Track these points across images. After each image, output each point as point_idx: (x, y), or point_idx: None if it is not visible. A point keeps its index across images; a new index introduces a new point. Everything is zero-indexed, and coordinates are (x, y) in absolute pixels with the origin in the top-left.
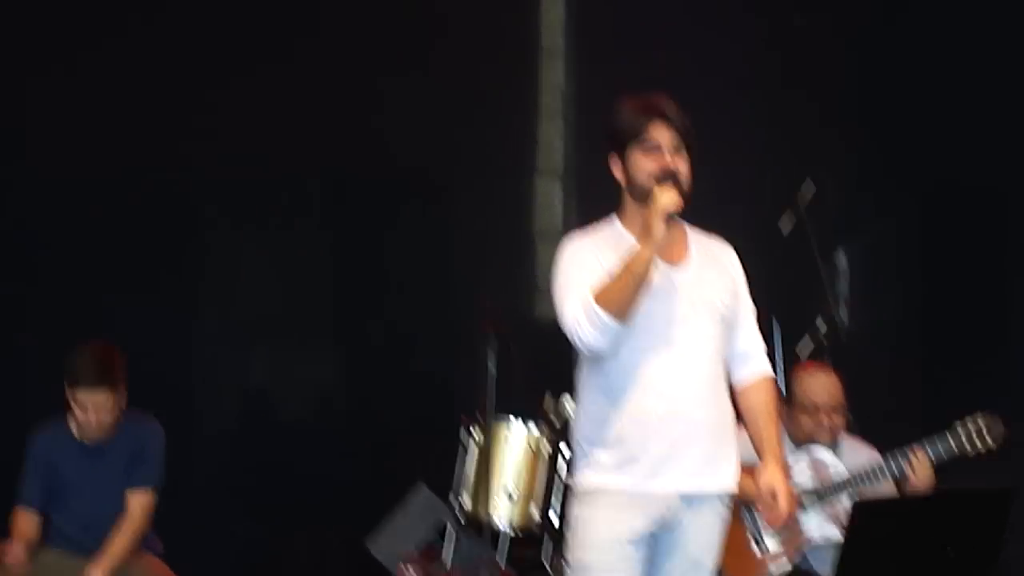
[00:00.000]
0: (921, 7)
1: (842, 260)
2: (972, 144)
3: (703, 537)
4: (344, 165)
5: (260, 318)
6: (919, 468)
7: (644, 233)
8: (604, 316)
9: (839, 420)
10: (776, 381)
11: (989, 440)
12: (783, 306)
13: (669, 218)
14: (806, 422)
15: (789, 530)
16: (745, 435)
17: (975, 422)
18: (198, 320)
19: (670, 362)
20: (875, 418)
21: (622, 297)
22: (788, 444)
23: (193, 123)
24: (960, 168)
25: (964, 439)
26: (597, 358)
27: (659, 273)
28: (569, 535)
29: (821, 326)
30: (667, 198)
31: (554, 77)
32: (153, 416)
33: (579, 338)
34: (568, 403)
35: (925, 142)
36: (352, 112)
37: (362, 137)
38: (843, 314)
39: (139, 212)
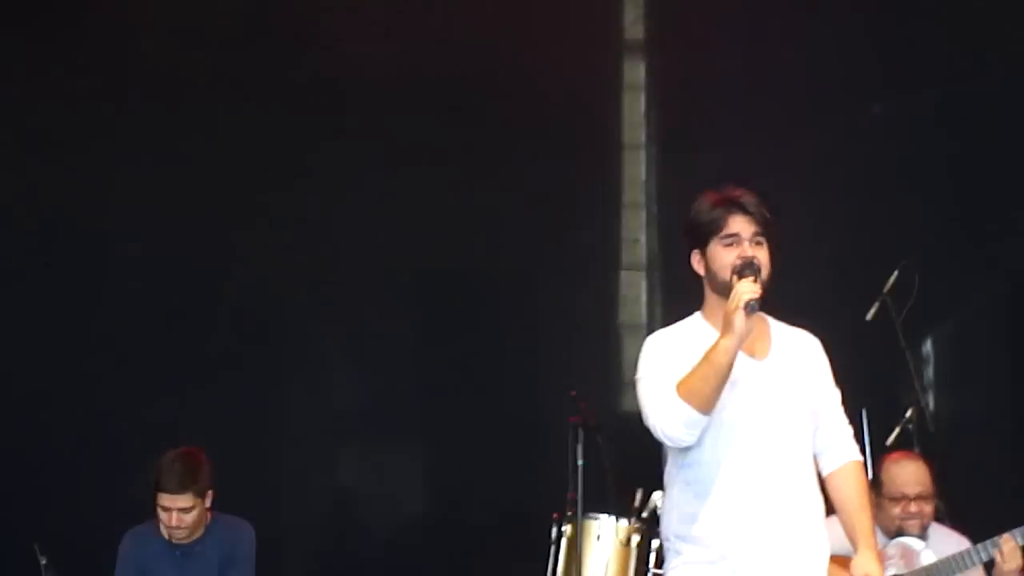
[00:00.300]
0: (1001, 85)
1: (928, 347)
2: None
3: None
4: (433, 261)
5: (347, 417)
6: (1009, 554)
7: (724, 324)
8: (686, 408)
9: (928, 508)
10: (865, 468)
11: None
12: (871, 396)
13: (749, 309)
14: (895, 511)
15: None
16: (836, 525)
17: None
18: (285, 419)
19: (757, 457)
20: (964, 506)
21: (703, 388)
22: (878, 534)
23: (282, 215)
24: None
25: None
26: (684, 454)
27: (743, 367)
28: None
29: (909, 415)
30: (746, 287)
31: (635, 171)
32: (244, 520)
33: (662, 431)
34: (657, 498)
35: (1010, 225)
36: (442, 208)
37: (451, 233)
38: (930, 401)
39: (229, 309)
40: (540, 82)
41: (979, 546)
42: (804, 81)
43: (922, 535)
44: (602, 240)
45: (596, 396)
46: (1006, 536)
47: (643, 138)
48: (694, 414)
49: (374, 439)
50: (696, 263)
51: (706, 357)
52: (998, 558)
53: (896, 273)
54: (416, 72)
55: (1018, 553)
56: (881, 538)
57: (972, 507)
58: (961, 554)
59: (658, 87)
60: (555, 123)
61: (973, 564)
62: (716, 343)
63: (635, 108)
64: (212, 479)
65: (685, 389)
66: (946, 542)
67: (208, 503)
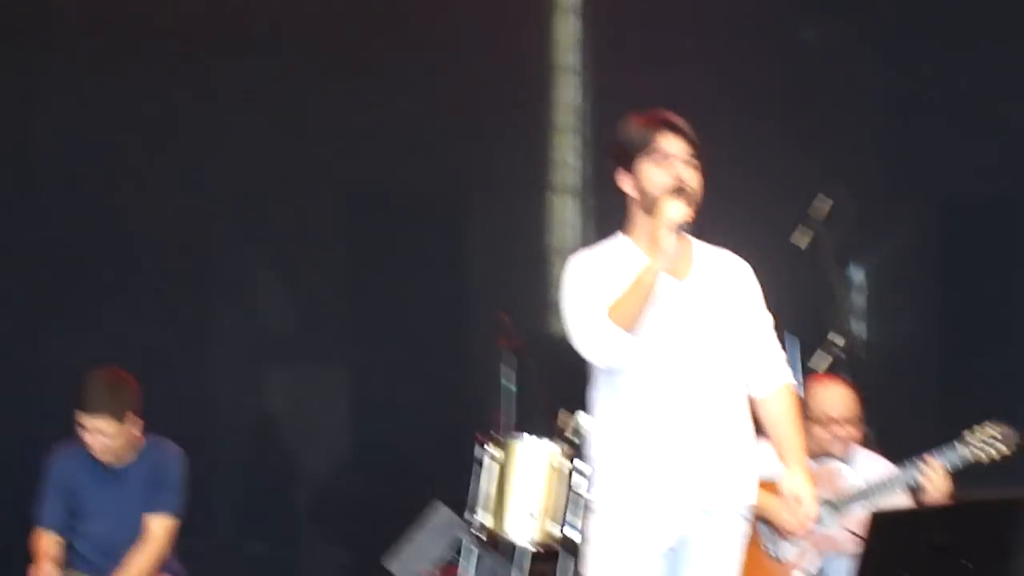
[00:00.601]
0: (932, 18)
1: (858, 274)
2: (988, 155)
3: (722, 550)
4: (359, 185)
5: (276, 339)
6: (935, 477)
7: (653, 246)
8: (614, 328)
9: (854, 432)
10: (796, 390)
11: (1003, 447)
12: (800, 321)
13: (678, 230)
14: (820, 434)
15: (806, 541)
16: (764, 448)
17: (986, 430)
18: (213, 343)
19: (681, 377)
20: (892, 431)
21: (632, 310)
22: None
23: (208, 143)
24: (976, 179)
25: (976, 447)
26: (609, 375)
27: (663, 286)
28: (587, 551)
29: (837, 340)
30: (675, 209)
31: (567, 95)
32: (172, 441)
33: (592, 353)
34: (584, 419)
35: (940, 154)
36: (368, 133)
37: (377, 157)
38: (859, 328)
39: (153, 233)
40: (472, 4)
41: (904, 470)
42: (736, 5)
43: (845, 458)
44: (532, 163)
45: (525, 319)
46: (929, 458)
47: (575, 61)
48: (624, 335)
49: (302, 361)
50: (624, 184)
51: (636, 279)
52: (924, 481)
53: (827, 200)
54: None
55: (943, 475)
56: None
57: (899, 433)
58: (887, 479)
59: (590, 9)
60: (486, 45)
61: (899, 489)
62: (647, 266)
63: (567, 31)
64: (138, 405)
65: (615, 311)
66: (871, 466)
67: (133, 429)
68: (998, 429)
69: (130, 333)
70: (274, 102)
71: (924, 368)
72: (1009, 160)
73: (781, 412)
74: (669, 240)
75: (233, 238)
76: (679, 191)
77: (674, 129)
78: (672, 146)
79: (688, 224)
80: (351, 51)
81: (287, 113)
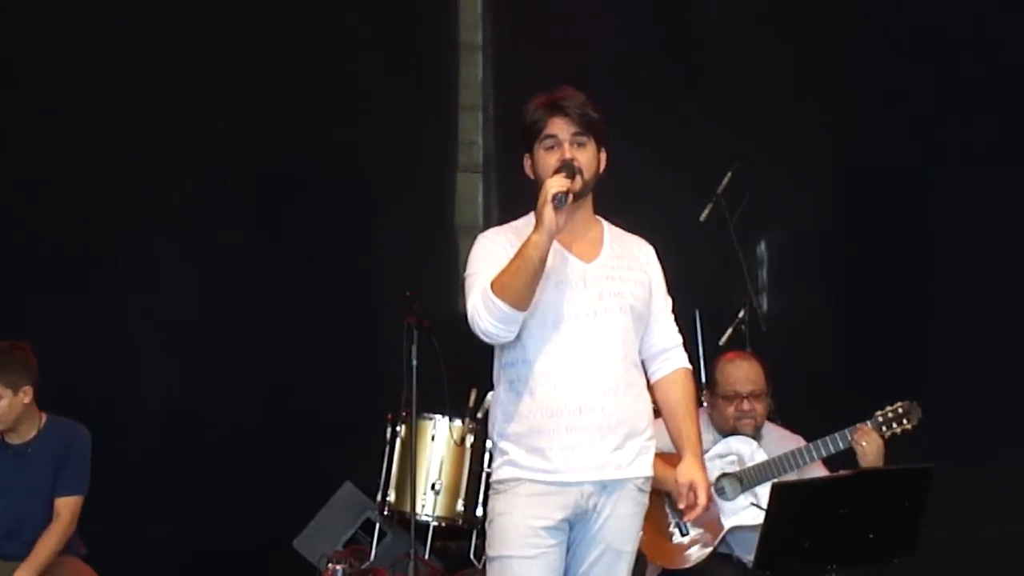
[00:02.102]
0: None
1: (761, 248)
2: (889, 131)
3: (620, 524)
4: (266, 164)
5: (183, 319)
6: (871, 440)
7: (536, 219)
8: (499, 303)
9: (762, 407)
10: (693, 374)
11: (907, 424)
12: (705, 296)
13: (557, 202)
14: (729, 410)
15: (710, 516)
16: (663, 426)
17: (896, 409)
18: (121, 324)
19: (579, 355)
20: (794, 403)
21: (514, 282)
22: (712, 433)
23: (115, 123)
24: (877, 155)
25: (883, 423)
26: (507, 352)
27: (569, 268)
28: (488, 528)
29: (741, 315)
30: (554, 182)
31: (472, 72)
32: (78, 422)
33: (478, 327)
34: (491, 398)
35: (843, 130)
36: (273, 113)
37: (282, 136)
38: (763, 302)
39: (58, 213)
40: None
41: (815, 443)
42: None
43: (755, 434)
44: (438, 141)
45: (432, 297)
46: (860, 426)
47: (480, 39)
48: (507, 309)
49: (209, 342)
50: (527, 167)
51: (518, 253)
52: (857, 447)
53: (729, 174)
54: None
55: (874, 434)
56: (715, 437)
57: (802, 406)
58: (795, 452)
59: None
60: (392, 23)
61: (808, 461)
62: (527, 239)
63: (472, 8)
64: (32, 375)
65: (498, 285)
66: (779, 441)
67: (26, 399)
68: (905, 407)
69: (33, 315)
70: (177, 81)
71: (825, 341)
72: (909, 135)
73: (677, 397)
74: (548, 213)
75: (138, 220)
76: (566, 167)
77: (561, 111)
78: (559, 128)
79: (566, 196)
80: (256, 29)
81: (191, 92)
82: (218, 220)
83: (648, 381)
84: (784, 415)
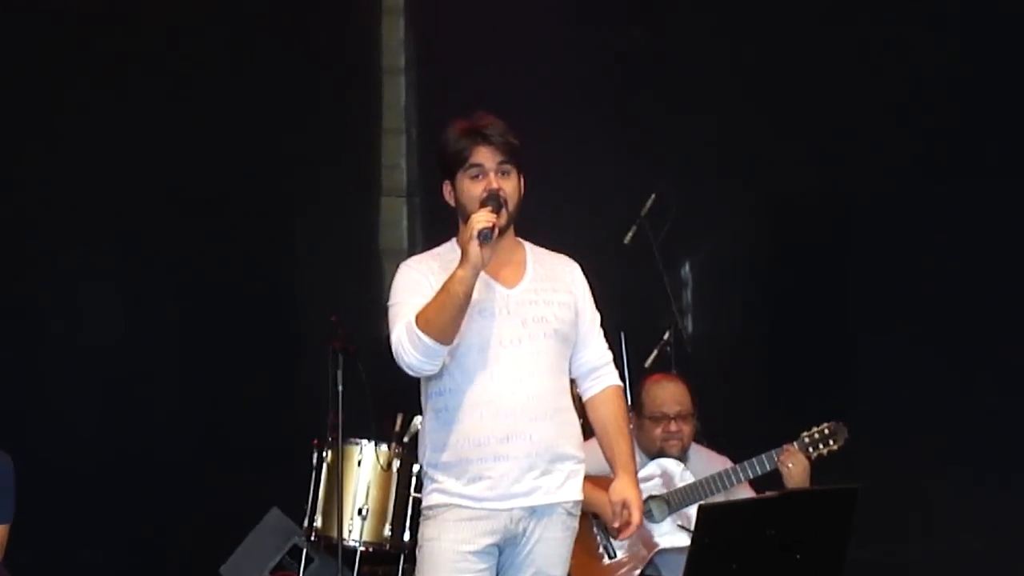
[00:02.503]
0: (756, 14)
1: (686, 270)
2: (812, 150)
3: (550, 548)
4: (188, 187)
5: (102, 344)
6: (797, 460)
7: (462, 254)
8: (424, 338)
9: (688, 429)
10: (624, 392)
11: (834, 444)
12: (629, 319)
13: (482, 238)
14: (656, 432)
15: (638, 537)
16: (596, 448)
17: (823, 430)
18: (39, 349)
19: (504, 384)
20: (720, 425)
21: (440, 318)
22: (639, 455)
23: (33, 145)
24: (801, 174)
25: (810, 444)
26: (433, 382)
27: (492, 295)
28: (418, 554)
29: (666, 336)
30: (480, 217)
31: (395, 97)
32: (2, 451)
33: (401, 359)
34: (418, 422)
35: (765, 150)
36: (196, 133)
37: (206, 158)
38: (688, 323)
39: None
40: (302, 6)
41: (743, 464)
42: (565, 4)
43: (682, 456)
44: (362, 165)
45: (356, 321)
46: (787, 447)
47: (402, 62)
48: (432, 344)
49: (130, 365)
50: (447, 194)
51: (443, 287)
52: (785, 468)
53: (653, 197)
54: None
55: (799, 455)
56: (642, 459)
57: (728, 427)
58: (722, 473)
59: (417, 10)
60: (315, 47)
61: (735, 482)
62: (452, 274)
63: (395, 32)
64: None
65: (423, 319)
66: (706, 463)
67: None
68: (832, 428)
69: None
70: (100, 100)
71: (750, 362)
72: (833, 154)
73: (609, 415)
74: (474, 249)
75: (58, 241)
76: (492, 200)
77: (486, 140)
78: (484, 158)
79: (493, 232)
80: (180, 51)
81: (115, 114)
82: (140, 244)
83: (580, 399)
84: (710, 437)
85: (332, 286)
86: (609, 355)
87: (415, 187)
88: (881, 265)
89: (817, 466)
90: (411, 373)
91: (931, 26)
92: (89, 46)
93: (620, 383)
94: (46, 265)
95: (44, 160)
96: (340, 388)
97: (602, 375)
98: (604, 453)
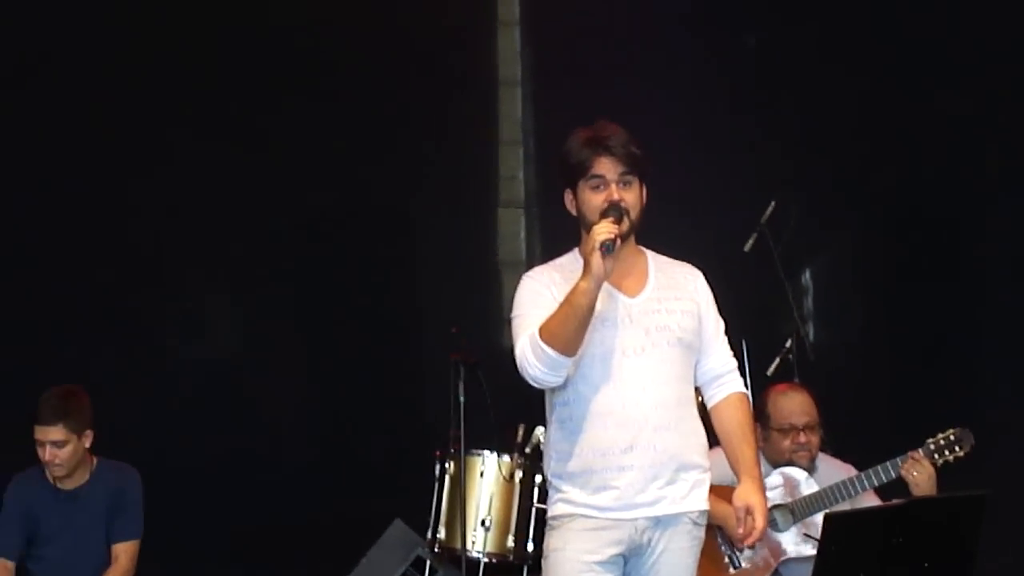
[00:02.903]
0: (871, 29)
1: (807, 278)
2: (934, 159)
3: (675, 559)
4: (312, 200)
5: (229, 358)
6: (923, 468)
7: (584, 266)
8: (548, 350)
9: (815, 439)
10: (749, 399)
11: (960, 451)
12: (751, 327)
13: (605, 250)
14: (784, 443)
15: (763, 547)
16: (720, 457)
17: (948, 436)
18: (166, 365)
19: (628, 393)
20: (844, 433)
21: (563, 330)
22: (765, 467)
23: (156, 165)
24: (923, 180)
25: (935, 451)
26: (557, 392)
27: (615, 304)
28: (543, 564)
29: (788, 345)
30: (601, 228)
31: (512, 109)
32: (130, 465)
33: (526, 372)
34: (539, 433)
35: (883, 155)
36: (317, 150)
37: (326, 174)
38: (809, 331)
39: (102, 254)
40: (416, 20)
41: (867, 472)
42: (679, 12)
43: (810, 466)
44: (480, 177)
45: (477, 333)
46: (913, 454)
47: (519, 74)
48: (556, 356)
49: (256, 381)
50: (569, 203)
51: (566, 299)
52: (911, 476)
53: (773, 204)
54: (290, 11)
55: (925, 462)
56: (767, 469)
57: (851, 435)
58: (846, 482)
59: (533, 23)
60: (431, 60)
61: (860, 491)
62: (575, 286)
63: (511, 44)
64: (91, 419)
65: (547, 331)
66: (833, 472)
67: (87, 443)
68: (957, 434)
69: (82, 356)
70: (222, 120)
71: (873, 369)
72: (954, 164)
73: (734, 422)
74: (596, 261)
75: (184, 260)
76: (613, 210)
77: (608, 150)
78: (606, 168)
79: (614, 243)
80: (300, 69)
81: (236, 130)
82: (263, 261)
83: (705, 407)
84: (834, 445)
85: (452, 298)
86: (734, 362)
87: (533, 199)
88: (1006, 272)
89: (944, 474)
90: (536, 385)
91: None
92: (211, 65)
93: (745, 390)
94: (175, 283)
95: (167, 179)
96: (462, 399)
97: (726, 382)
98: (728, 459)
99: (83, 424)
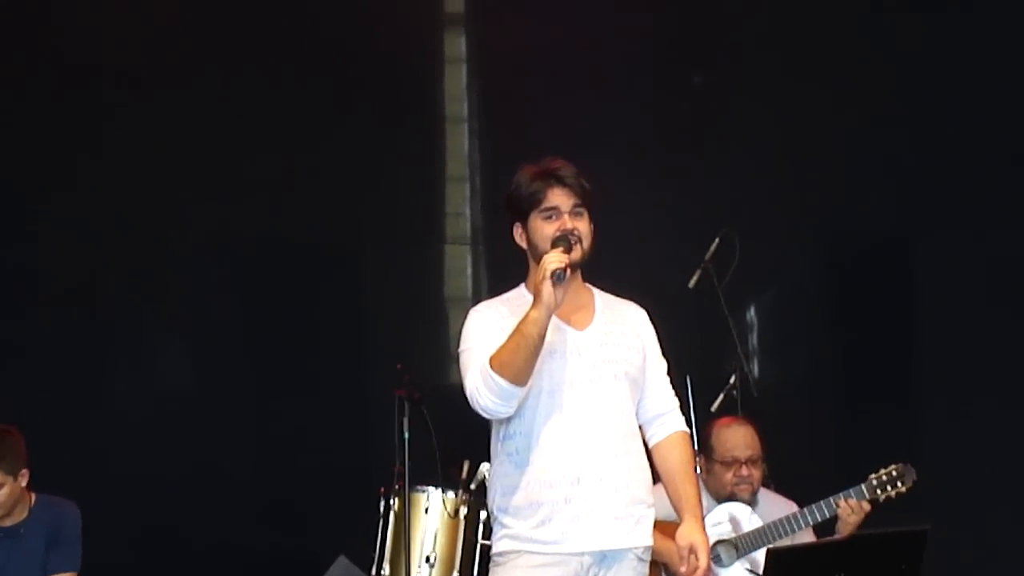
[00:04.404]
0: (818, 60)
1: (751, 314)
2: (876, 193)
3: None
4: (257, 235)
5: (170, 393)
6: (860, 510)
7: (535, 295)
8: (499, 380)
9: (758, 473)
10: (691, 438)
11: (902, 487)
12: (695, 362)
13: (556, 278)
14: (727, 476)
15: None
16: (662, 493)
17: (890, 472)
18: (106, 399)
19: (575, 425)
20: (788, 469)
21: (514, 359)
22: (708, 500)
23: (102, 198)
24: (864, 217)
25: (878, 487)
26: (504, 425)
27: (563, 337)
28: None
29: (733, 380)
30: (552, 258)
31: (458, 145)
32: (68, 499)
33: (476, 403)
34: (485, 469)
35: (829, 193)
36: (264, 180)
37: (272, 210)
38: (754, 367)
39: (44, 286)
40: (362, 56)
41: (810, 508)
42: (624, 51)
43: (752, 500)
44: (426, 214)
45: (422, 369)
46: (846, 496)
47: (465, 111)
48: (507, 386)
49: (199, 415)
50: (518, 236)
51: (517, 329)
52: (842, 512)
53: (717, 241)
54: (234, 44)
55: (864, 504)
56: (710, 502)
57: (795, 471)
58: (789, 517)
59: (479, 60)
60: (378, 97)
61: (802, 527)
62: (526, 315)
63: (457, 81)
64: (26, 458)
65: (497, 361)
66: (774, 507)
67: (23, 482)
68: (899, 471)
69: (25, 393)
70: (168, 155)
71: (817, 406)
72: (897, 199)
73: (676, 461)
74: (547, 290)
75: (127, 294)
76: (563, 240)
77: (560, 181)
78: (559, 199)
79: (565, 272)
80: (246, 105)
81: (181, 166)
82: (206, 293)
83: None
84: (777, 481)
85: (398, 334)
86: (675, 401)
87: (479, 235)
88: (945, 306)
89: (888, 506)
90: (486, 416)
91: (990, 80)
92: (156, 94)
93: (687, 429)
94: (120, 321)
95: (112, 212)
96: (406, 435)
97: (668, 420)
98: (670, 498)
99: (17, 465)
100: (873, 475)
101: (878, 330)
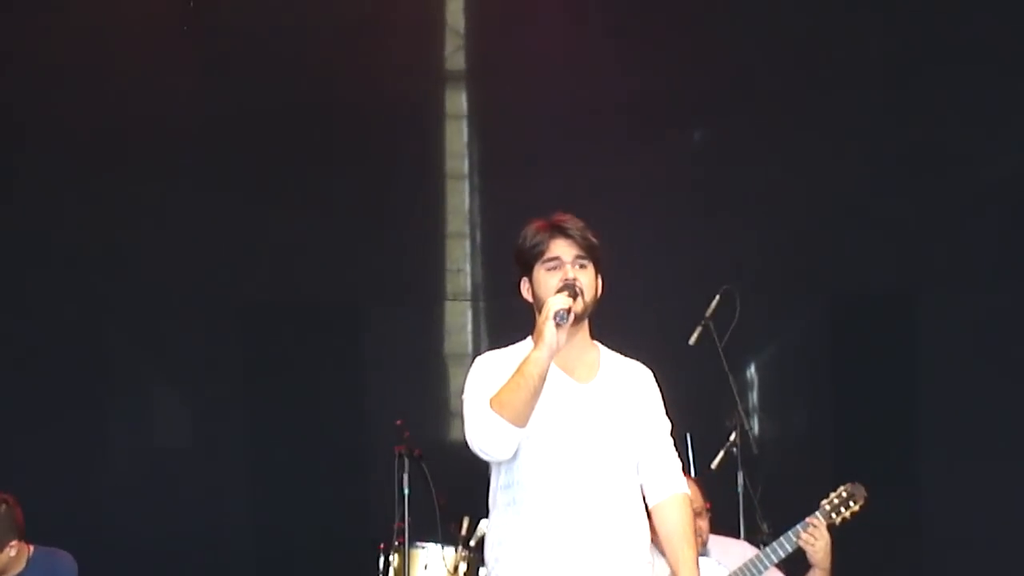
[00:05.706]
0: (815, 118)
1: (751, 371)
2: (878, 251)
3: None
4: (258, 292)
5: (171, 448)
6: (821, 535)
7: (536, 336)
8: (498, 419)
9: (705, 524)
10: (690, 499)
11: (855, 506)
12: (695, 420)
13: (559, 319)
14: None
15: None
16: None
17: (840, 494)
18: (108, 457)
19: (573, 479)
20: (789, 525)
21: (514, 399)
22: (656, 557)
23: (104, 256)
24: (865, 275)
25: (831, 511)
26: (503, 474)
27: (565, 389)
28: None
29: (733, 438)
30: (556, 300)
31: (459, 201)
32: (63, 551)
33: (474, 443)
34: (484, 526)
35: (831, 250)
36: (265, 239)
37: (272, 267)
38: (754, 424)
39: (46, 346)
40: (363, 113)
41: (772, 547)
42: (625, 108)
43: (704, 551)
44: (426, 270)
45: (422, 426)
46: (808, 522)
47: (466, 168)
48: (506, 426)
49: (199, 472)
50: (525, 291)
51: (518, 369)
52: (807, 545)
53: (718, 298)
54: (237, 104)
55: (823, 528)
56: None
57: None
58: (754, 559)
59: (480, 116)
60: (378, 154)
61: (767, 566)
62: (528, 355)
63: (457, 138)
64: (22, 527)
65: (497, 401)
66: (726, 550)
67: (13, 552)
68: (848, 490)
69: (23, 447)
70: (167, 213)
71: (817, 464)
72: (898, 256)
73: (674, 522)
74: (550, 330)
75: (127, 351)
76: (566, 288)
77: (564, 233)
78: (562, 250)
79: (568, 314)
80: (246, 163)
81: (181, 225)
82: (208, 350)
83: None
84: (777, 535)
85: (398, 390)
86: (677, 463)
87: (480, 291)
88: (948, 368)
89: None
90: (484, 457)
91: (990, 132)
92: (149, 153)
93: (688, 491)
94: (118, 372)
95: (113, 268)
96: (406, 491)
97: (670, 482)
98: (668, 559)
99: (7, 537)
100: (824, 500)
101: (878, 388)
